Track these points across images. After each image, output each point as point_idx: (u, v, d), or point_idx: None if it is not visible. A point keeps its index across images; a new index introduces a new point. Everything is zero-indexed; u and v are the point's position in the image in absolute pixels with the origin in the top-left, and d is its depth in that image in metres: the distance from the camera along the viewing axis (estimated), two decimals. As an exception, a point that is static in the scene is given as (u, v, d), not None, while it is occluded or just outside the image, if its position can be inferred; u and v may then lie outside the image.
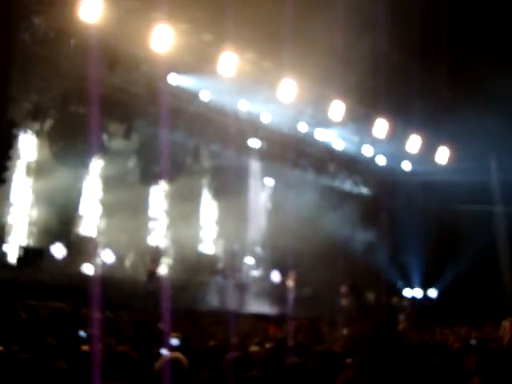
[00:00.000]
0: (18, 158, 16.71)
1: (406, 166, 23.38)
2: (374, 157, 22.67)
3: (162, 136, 16.86)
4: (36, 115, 16.54)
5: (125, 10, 14.62)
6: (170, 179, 19.19)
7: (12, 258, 15.90)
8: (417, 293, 23.35)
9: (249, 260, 20.96)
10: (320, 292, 19.95)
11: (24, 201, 16.81)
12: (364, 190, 23.73)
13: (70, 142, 16.56)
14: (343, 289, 21.59)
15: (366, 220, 21.91)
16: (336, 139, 21.52)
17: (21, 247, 16.24)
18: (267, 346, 8.59)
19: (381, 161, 22.88)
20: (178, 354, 4.95)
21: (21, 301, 10.93)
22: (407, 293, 23.19)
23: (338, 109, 19.01)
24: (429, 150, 22.15)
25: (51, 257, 16.02)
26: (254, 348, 7.96)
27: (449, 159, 22.59)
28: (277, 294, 19.49)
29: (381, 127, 20.36)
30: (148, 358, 5.18)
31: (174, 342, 7.29)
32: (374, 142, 21.24)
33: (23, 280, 13.47)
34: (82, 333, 8.02)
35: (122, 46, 15.27)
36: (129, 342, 7.33)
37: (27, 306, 10.99)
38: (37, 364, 4.71)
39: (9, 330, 9.12)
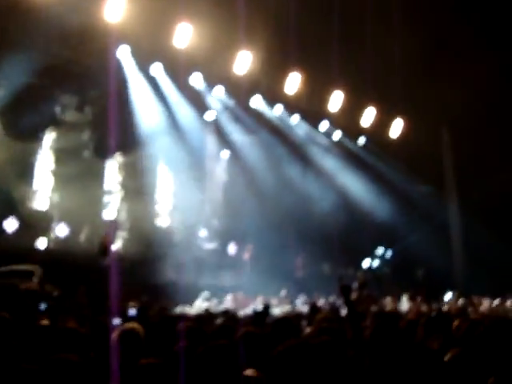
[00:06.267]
0: (-33, 131, 16.28)
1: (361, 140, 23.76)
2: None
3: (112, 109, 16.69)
4: (-15, 87, 16.11)
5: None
6: (125, 152, 18.99)
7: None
8: (374, 263, 23.84)
9: (203, 233, 20.97)
10: (276, 264, 20.14)
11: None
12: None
13: (21, 114, 16.20)
14: (299, 261, 21.86)
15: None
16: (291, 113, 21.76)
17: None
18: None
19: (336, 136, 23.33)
20: (134, 324, 4.98)
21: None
22: (365, 263, 23.65)
23: (294, 81, 19.12)
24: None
25: (4, 232, 15.73)
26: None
27: (402, 132, 22.98)
28: (233, 266, 19.62)
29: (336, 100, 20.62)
30: (103, 331, 5.17)
31: (132, 311, 7.33)
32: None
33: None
34: (42, 306, 7.96)
35: (74, 17, 14.95)
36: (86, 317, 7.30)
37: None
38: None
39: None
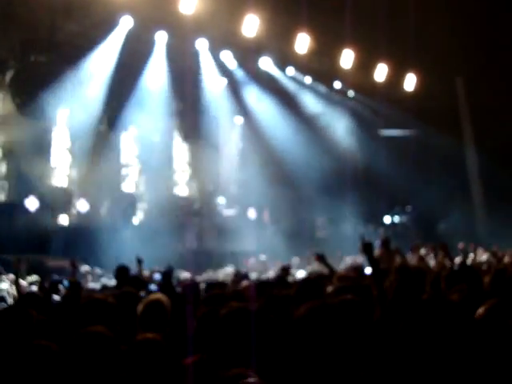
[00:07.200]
0: (-19, 112, 16.33)
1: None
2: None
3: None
4: (-5, 67, 16.14)
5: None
6: (140, 124, 19.03)
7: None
8: (395, 219, 23.83)
9: (222, 199, 21.04)
10: (297, 226, 20.22)
11: (-9, 156, 16.55)
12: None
13: (33, 92, 16.22)
14: (319, 221, 21.90)
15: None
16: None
17: (-8, 203, 16.08)
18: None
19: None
20: (159, 295, 5.02)
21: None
22: (386, 219, 23.64)
23: (303, 41, 18.91)
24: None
25: (25, 210, 15.86)
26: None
27: (416, 86, 22.70)
28: (254, 230, 19.71)
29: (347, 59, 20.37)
30: (129, 302, 5.21)
31: (156, 276, 7.47)
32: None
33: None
34: (65, 282, 8.08)
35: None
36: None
37: (4, 261, 10.91)
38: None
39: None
